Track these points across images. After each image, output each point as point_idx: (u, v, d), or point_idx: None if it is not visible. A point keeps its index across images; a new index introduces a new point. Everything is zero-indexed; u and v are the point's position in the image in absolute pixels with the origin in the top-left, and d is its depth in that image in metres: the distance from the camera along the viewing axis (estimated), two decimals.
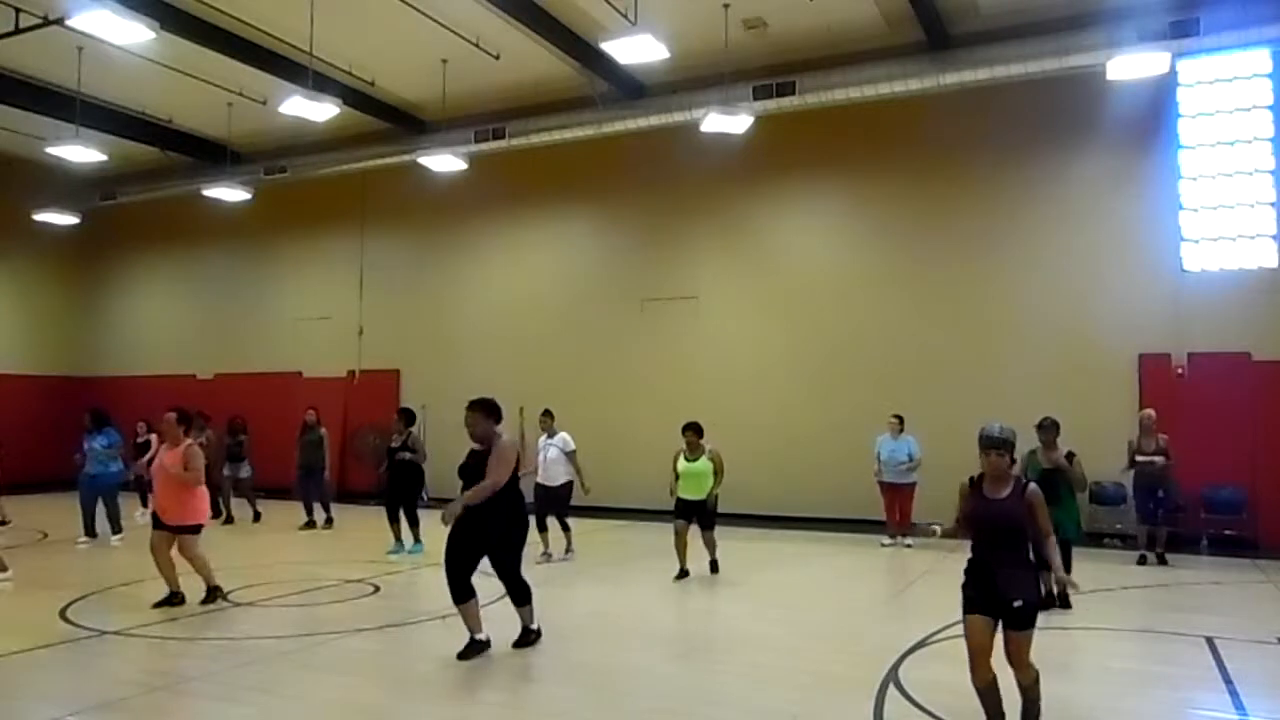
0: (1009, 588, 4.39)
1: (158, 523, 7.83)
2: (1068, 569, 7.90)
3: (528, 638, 6.57)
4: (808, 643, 7.03)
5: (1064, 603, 7.91)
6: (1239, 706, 5.44)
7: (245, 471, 14.24)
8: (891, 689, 5.61)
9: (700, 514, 9.51)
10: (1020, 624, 4.41)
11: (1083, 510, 10.29)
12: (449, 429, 17.13)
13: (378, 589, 8.95)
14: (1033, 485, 4.56)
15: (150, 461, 8.59)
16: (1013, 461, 4.58)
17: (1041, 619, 7.56)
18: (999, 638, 4.48)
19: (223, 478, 14.12)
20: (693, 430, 9.47)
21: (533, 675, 6.16)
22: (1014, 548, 4.47)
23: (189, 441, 7.90)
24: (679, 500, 9.52)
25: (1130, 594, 9.10)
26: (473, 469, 6.25)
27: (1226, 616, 7.94)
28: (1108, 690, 5.83)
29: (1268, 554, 11.15)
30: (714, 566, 9.70)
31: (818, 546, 11.96)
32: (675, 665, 6.71)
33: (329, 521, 13.49)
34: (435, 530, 11.64)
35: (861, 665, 6.14)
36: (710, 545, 9.69)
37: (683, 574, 9.46)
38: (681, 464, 9.49)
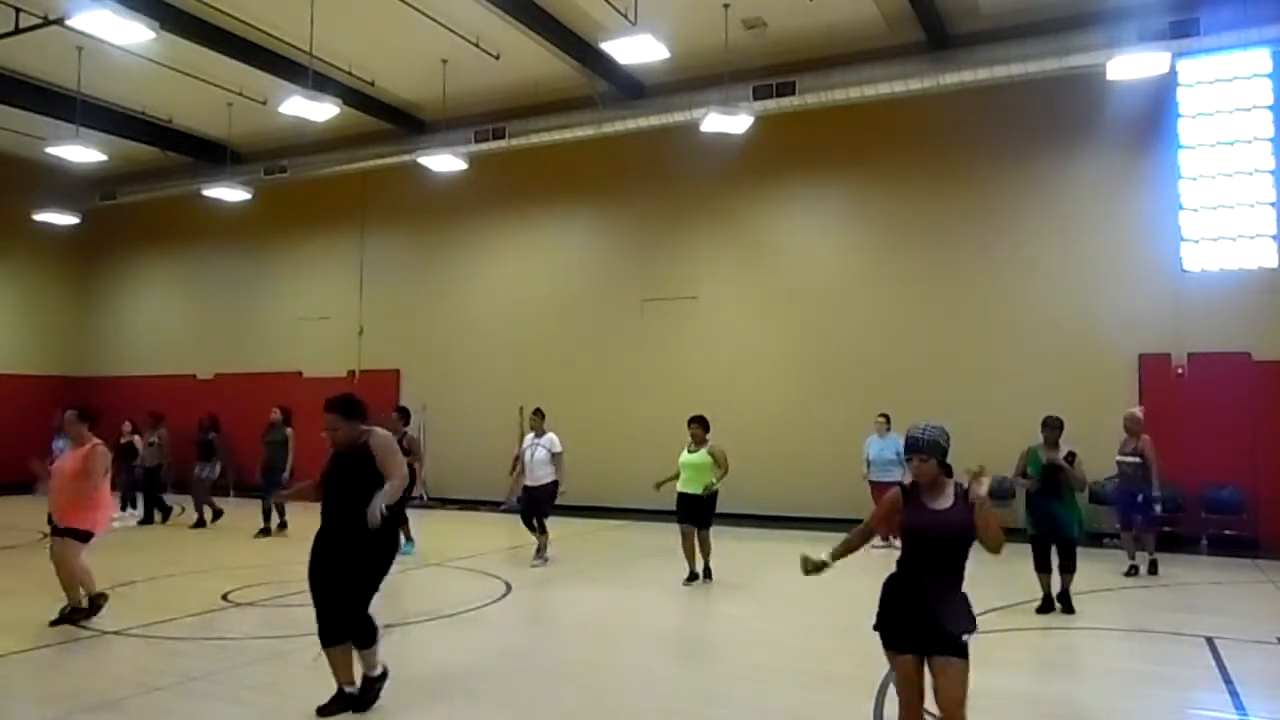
0: (950, 619, 3.77)
1: (55, 529, 7.24)
2: (1071, 569, 7.93)
3: (370, 690, 5.25)
4: (808, 643, 7.03)
5: (1067, 607, 7.87)
6: (1239, 706, 5.44)
7: (210, 471, 13.90)
8: (891, 689, 5.60)
9: (698, 510, 9.24)
10: (959, 650, 3.77)
11: (1083, 510, 10.29)
12: (449, 429, 17.23)
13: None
14: (971, 485, 3.93)
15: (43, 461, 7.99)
16: (945, 467, 3.95)
17: (1043, 620, 7.67)
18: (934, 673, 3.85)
19: (195, 477, 13.92)
20: (698, 423, 9.35)
21: (533, 675, 6.15)
22: (954, 567, 3.87)
23: (94, 442, 7.29)
24: (679, 496, 9.31)
25: (1130, 594, 9.10)
26: (340, 478, 5.21)
27: (1226, 616, 7.95)
28: (1108, 690, 5.83)
29: (1268, 554, 11.16)
30: (707, 573, 9.39)
31: (817, 547, 11.94)
32: (676, 666, 6.72)
33: (281, 526, 12.70)
34: (427, 530, 11.70)
35: (861, 665, 6.12)
36: (705, 548, 9.38)
37: (692, 577, 9.31)
38: (682, 455, 9.36)
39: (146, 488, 14.11)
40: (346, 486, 5.15)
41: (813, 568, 4.15)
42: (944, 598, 3.80)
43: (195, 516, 13.75)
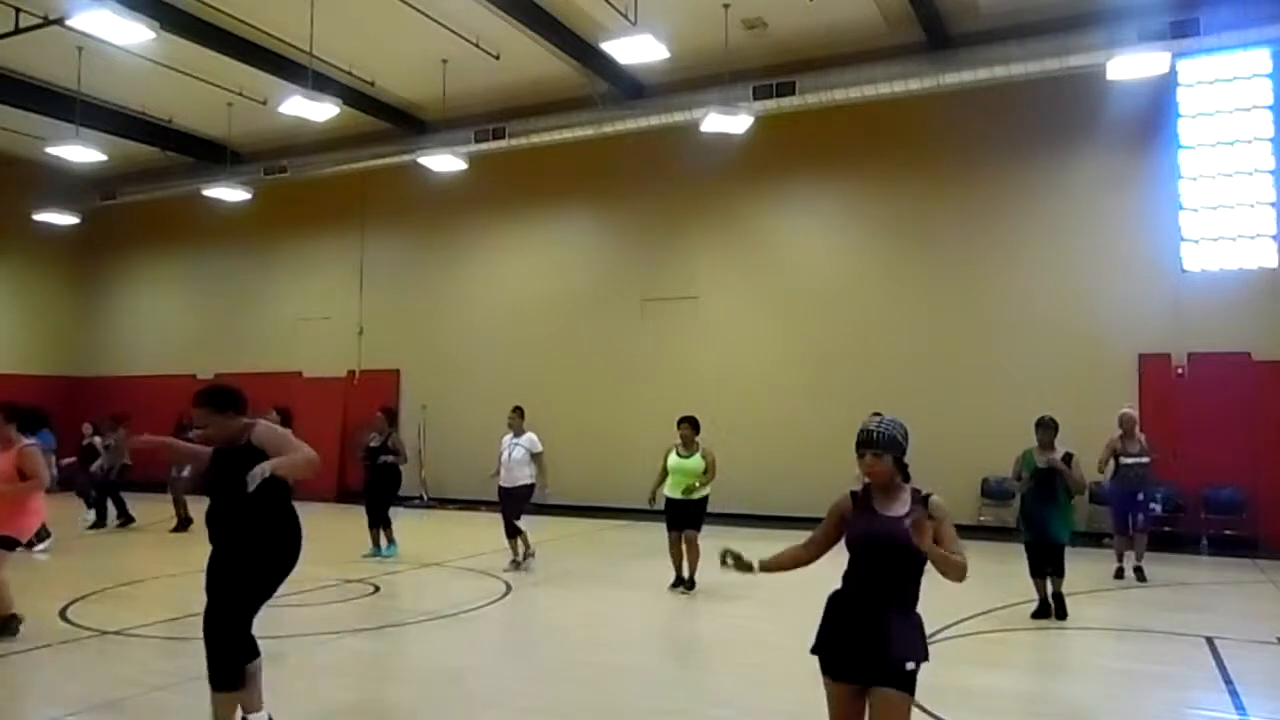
0: (903, 646, 3.26)
1: None
2: (1059, 573, 7.73)
3: None
4: (808, 643, 7.02)
5: (1060, 611, 7.73)
6: (1239, 706, 5.44)
7: (185, 471, 13.29)
8: None
9: (688, 514, 8.95)
10: (907, 684, 3.29)
11: (1082, 510, 10.26)
12: (449, 429, 17.22)
13: (378, 589, 8.94)
14: (935, 497, 3.40)
15: None
16: (902, 467, 3.43)
17: (1042, 620, 7.65)
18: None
19: (170, 479, 13.44)
20: (689, 424, 9.06)
21: (533, 675, 6.16)
22: (908, 584, 3.35)
23: (26, 442, 6.86)
24: (668, 501, 9.02)
25: (1130, 594, 9.10)
26: (222, 480, 4.40)
27: (1226, 616, 7.95)
28: (1108, 690, 5.83)
29: (1268, 554, 11.15)
30: (690, 582, 8.95)
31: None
32: (675, 665, 6.72)
33: (183, 524, 12.65)
34: (427, 530, 11.66)
35: None
36: (692, 554, 8.95)
37: (678, 582, 9.06)
38: (672, 459, 8.97)
39: (101, 490, 13.70)
40: (230, 488, 4.29)
41: (734, 561, 3.62)
42: (893, 618, 3.28)
43: (175, 520, 13.22)
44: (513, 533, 10.03)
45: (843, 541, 3.51)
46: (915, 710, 4.78)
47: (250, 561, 4.35)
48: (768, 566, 3.65)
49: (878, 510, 3.41)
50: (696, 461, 8.97)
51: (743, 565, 3.63)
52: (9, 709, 5.34)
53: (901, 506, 3.37)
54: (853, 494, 3.52)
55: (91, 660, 6.46)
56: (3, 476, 6.73)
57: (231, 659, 4.31)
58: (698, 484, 8.92)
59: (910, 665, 3.25)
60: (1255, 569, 10.47)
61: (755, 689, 5.74)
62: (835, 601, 3.46)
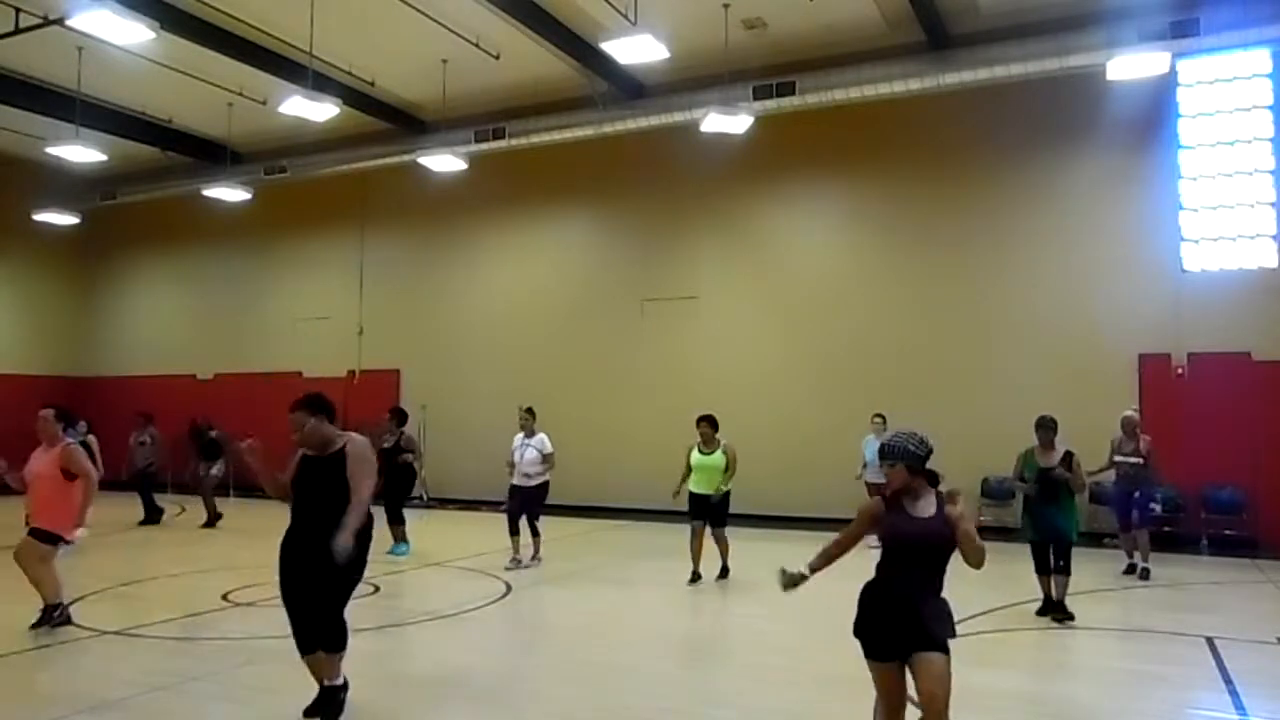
0: (934, 623, 3.76)
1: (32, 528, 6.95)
2: (1066, 571, 7.74)
3: (332, 700, 5.09)
4: (809, 643, 7.03)
5: (1063, 615, 7.65)
6: (1239, 706, 5.44)
7: (218, 470, 14.05)
8: None
9: (712, 510, 9.26)
10: (943, 647, 3.75)
11: (1083, 510, 10.28)
12: (449, 429, 17.23)
13: (378, 589, 8.94)
14: (949, 506, 3.89)
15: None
16: (921, 474, 3.90)
17: (1043, 620, 7.66)
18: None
19: (198, 477, 14.02)
20: (707, 422, 9.31)
21: (533, 675, 6.16)
22: (938, 573, 3.85)
23: (66, 441, 7.12)
24: (691, 495, 9.30)
25: (1130, 594, 9.10)
26: (311, 482, 4.99)
27: (1226, 616, 7.95)
28: (1108, 690, 5.83)
29: (1268, 554, 11.16)
30: (724, 571, 9.43)
31: (819, 546, 11.95)
32: (677, 665, 6.72)
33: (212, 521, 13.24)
34: (427, 530, 11.63)
35: (862, 666, 6.11)
36: (723, 546, 9.44)
37: (695, 578, 9.27)
38: (695, 457, 9.30)
39: (140, 488, 14.01)
40: (320, 492, 4.92)
41: (790, 582, 4.04)
42: (928, 602, 3.78)
43: (205, 516, 13.69)
44: (516, 530, 10.11)
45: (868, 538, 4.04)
46: (915, 709, 4.78)
47: (340, 560, 4.82)
48: (816, 568, 4.06)
49: (910, 512, 3.87)
50: (718, 458, 9.27)
51: (794, 579, 4.04)
52: (9, 709, 5.33)
53: (930, 507, 3.85)
54: (884, 498, 3.96)
55: (91, 660, 6.46)
56: (48, 475, 6.94)
57: (342, 629, 5.04)
58: (722, 484, 9.23)
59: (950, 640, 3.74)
60: (1255, 569, 10.47)
61: (756, 689, 5.74)
62: (871, 589, 3.91)
